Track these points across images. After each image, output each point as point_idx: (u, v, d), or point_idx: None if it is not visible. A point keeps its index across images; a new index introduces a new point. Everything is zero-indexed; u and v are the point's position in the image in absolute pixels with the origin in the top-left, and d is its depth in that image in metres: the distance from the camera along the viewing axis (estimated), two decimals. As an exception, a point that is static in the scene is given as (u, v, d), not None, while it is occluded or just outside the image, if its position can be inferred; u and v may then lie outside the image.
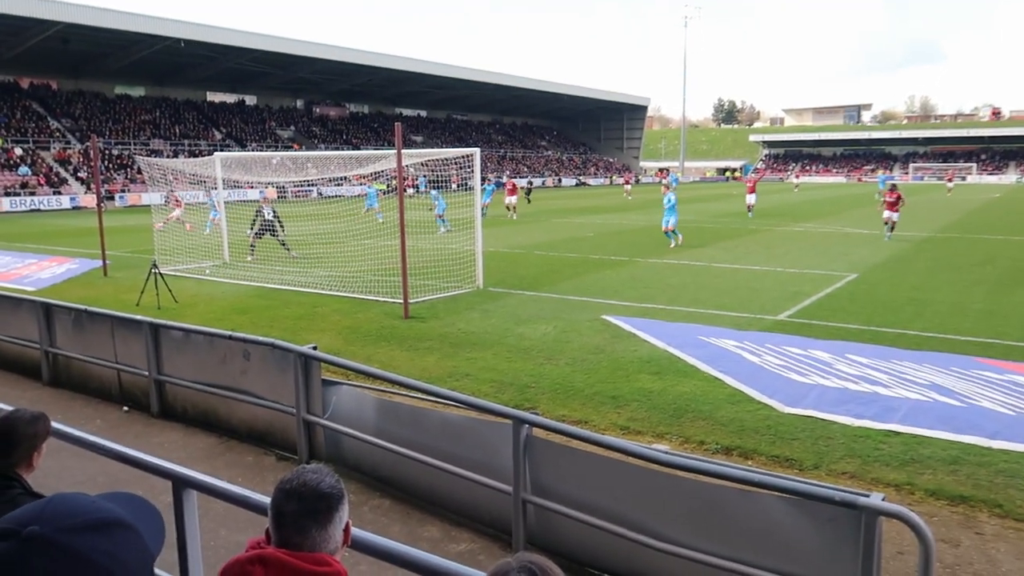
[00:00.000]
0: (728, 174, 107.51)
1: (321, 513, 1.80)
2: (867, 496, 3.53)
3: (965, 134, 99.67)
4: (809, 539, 3.76)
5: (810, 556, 3.74)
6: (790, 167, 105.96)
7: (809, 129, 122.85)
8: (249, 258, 18.49)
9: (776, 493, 3.83)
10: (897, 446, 6.38)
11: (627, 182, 57.35)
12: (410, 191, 28.66)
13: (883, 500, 3.49)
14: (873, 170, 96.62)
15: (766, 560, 3.83)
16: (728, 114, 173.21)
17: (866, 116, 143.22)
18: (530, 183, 55.87)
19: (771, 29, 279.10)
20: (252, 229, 19.45)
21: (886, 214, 23.20)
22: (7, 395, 8.12)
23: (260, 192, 31.33)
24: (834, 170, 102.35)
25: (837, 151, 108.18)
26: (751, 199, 32.74)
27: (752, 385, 8.01)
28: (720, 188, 70.35)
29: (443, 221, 23.88)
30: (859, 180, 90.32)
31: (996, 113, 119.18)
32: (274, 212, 19.61)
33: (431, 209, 24.60)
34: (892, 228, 22.78)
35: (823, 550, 3.71)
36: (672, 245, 20.72)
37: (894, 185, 24.32)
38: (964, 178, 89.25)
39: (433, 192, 24.54)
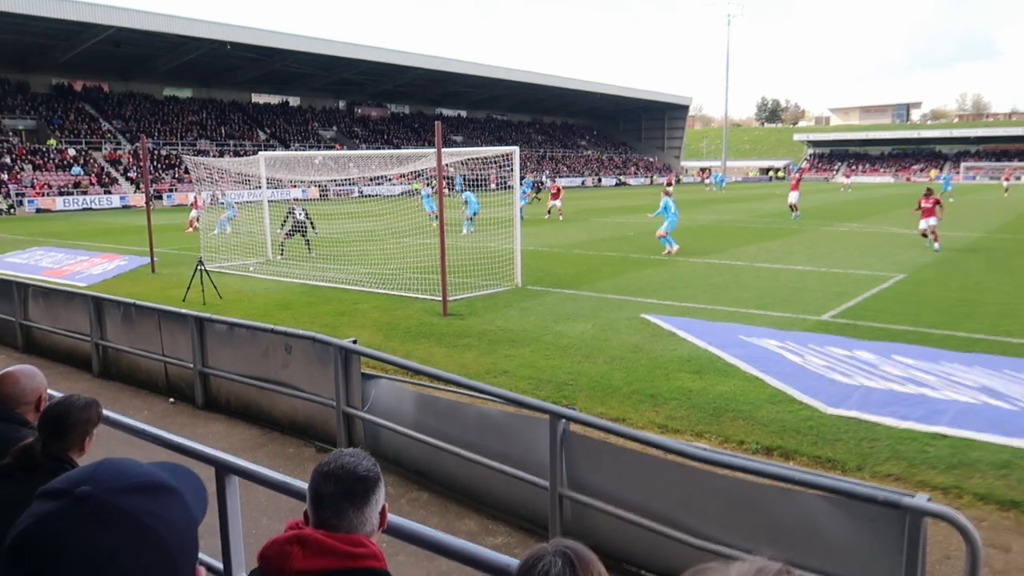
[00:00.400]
0: (772, 174, 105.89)
1: (358, 495, 1.84)
2: (912, 496, 3.45)
3: (1020, 132, 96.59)
4: (851, 540, 3.69)
5: (852, 557, 3.67)
6: (836, 167, 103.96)
7: (856, 128, 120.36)
8: (279, 257, 18.78)
9: (818, 492, 3.76)
10: (944, 449, 6.22)
11: (669, 183, 55.47)
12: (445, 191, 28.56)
13: (929, 501, 3.41)
14: (923, 170, 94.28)
15: (806, 560, 3.76)
16: (772, 113, 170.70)
17: (915, 114, 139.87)
18: (539, 182, 53.38)
19: (816, 26, 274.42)
20: (283, 228, 19.76)
21: (923, 223, 20.08)
22: (59, 386, 8.36)
23: (302, 191, 31.84)
24: (881, 169, 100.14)
25: (885, 150, 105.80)
26: (794, 197, 31.15)
27: (794, 385, 7.88)
28: (763, 188, 69.37)
29: (470, 223, 23.97)
30: (908, 180, 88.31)
31: None
32: (305, 213, 19.88)
33: (463, 208, 24.60)
34: (935, 236, 19.60)
35: (865, 551, 3.63)
36: (665, 252, 19.10)
37: (930, 189, 21.25)
38: (1020, 178, 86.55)
39: (467, 193, 24.46)
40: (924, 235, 20.09)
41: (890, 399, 7.40)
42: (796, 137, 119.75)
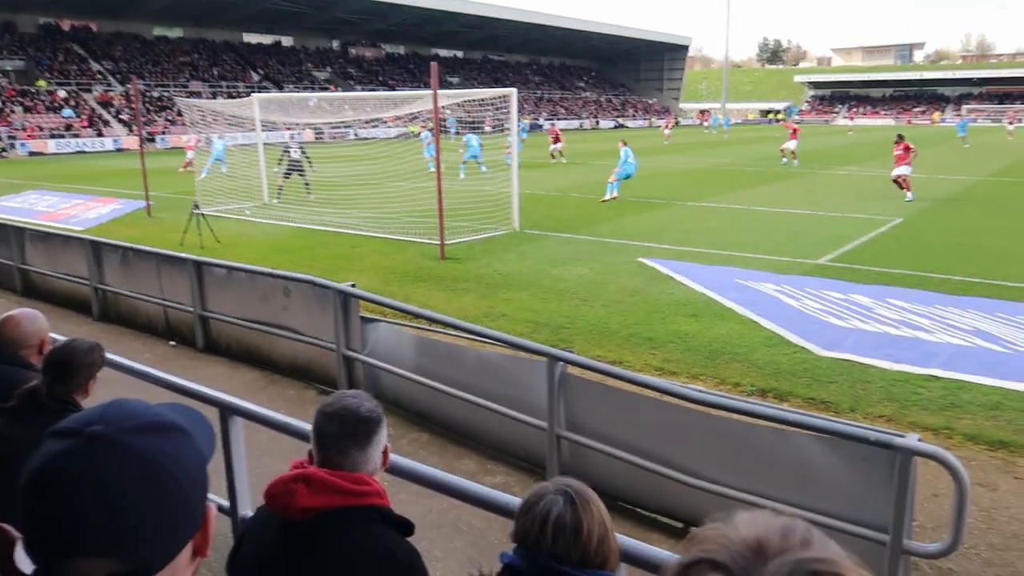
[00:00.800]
0: (772, 116, 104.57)
1: (360, 435, 1.87)
2: (903, 437, 3.52)
3: (1023, 74, 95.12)
4: (842, 479, 3.77)
5: (843, 495, 3.76)
6: (836, 109, 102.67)
7: (858, 69, 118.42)
8: (276, 201, 18.63)
9: (810, 432, 3.84)
10: (937, 391, 6.32)
11: (668, 126, 52.10)
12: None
13: (919, 441, 3.48)
14: (924, 112, 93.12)
15: (798, 498, 3.85)
16: (773, 54, 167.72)
17: (918, 55, 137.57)
18: (535, 124, 51.04)
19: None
20: (279, 169, 19.54)
21: (896, 171, 18.90)
22: (59, 329, 8.39)
23: (296, 133, 31.41)
24: (883, 112, 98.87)
25: (886, 92, 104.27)
26: (791, 144, 29.26)
27: (789, 328, 7.95)
28: (763, 130, 68.59)
29: (464, 167, 23.46)
30: (909, 122, 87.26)
31: None
32: (302, 150, 19.57)
33: (461, 151, 24.06)
34: (907, 185, 18.29)
35: (856, 490, 3.72)
36: (606, 197, 18.18)
37: (901, 136, 19.60)
38: (1022, 120, 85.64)
39: (469, 135, 23.89)
40: (897, 184, 18.83)
41: (884, 342, 7.48)
42: (797, 79, 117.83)
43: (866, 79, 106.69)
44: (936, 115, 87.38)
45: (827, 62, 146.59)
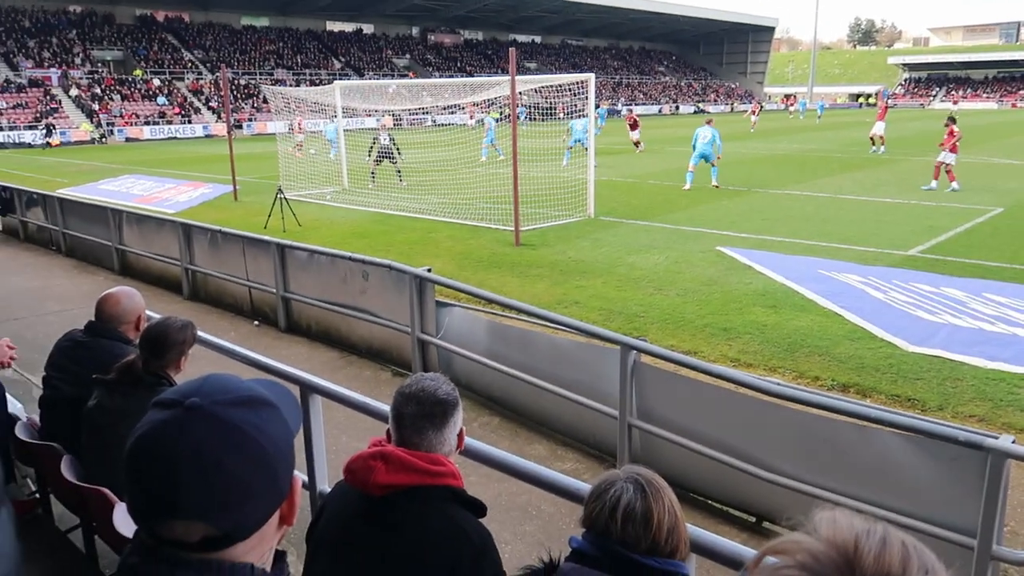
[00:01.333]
0: (862, 100, 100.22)
1: (437, 417, 1.92)
2: (996, 438, 3.35)
3: None
4: (928, 479, 3.62)
5: (927, 496, 3.61)
6: (933, 92, 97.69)
7: (957, 50, 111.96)
8: (370, 185, 19.03)
9: (895, 430, 3.69)
10: (1035, 391, 5.98)
11: (754, 111, 45.81)
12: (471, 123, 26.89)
13: (1013, 443, 3.30)
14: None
15: (881, 498, 3.72)
16: (866, 34, 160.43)
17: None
18: (614, 110, 48.53)
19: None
20: (370, 156, 19.94)
21: (940, 157, 17.47)
22: (152, 306, 8.80)
23: (376, 119, 31.97)
24: (984, 95, 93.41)
25: (989, 74, 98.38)
26: (879, 128, 27.12)
27: (875, 322, 7.65)
28: (853, 115, 65.87)
29: (569, 153, 22.87)
30: (1013, 106, 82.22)
31: None
32: (391, 138, 19.95)
33: (565, 139, 23.51)
34: (952, 177, 16.97)
35: (942, 491, 3.56)
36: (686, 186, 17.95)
37: (952, 118, 18.11)
38: None
39: (573, 121, 23.13)
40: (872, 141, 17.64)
41: (978, 338, 7.12)
42: (890, 60, 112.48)
43: (967, 60, 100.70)
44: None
45: (924, 42, 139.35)
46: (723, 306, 8.36)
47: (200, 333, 3.85)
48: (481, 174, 17.64)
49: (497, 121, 25.72)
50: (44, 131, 40.48)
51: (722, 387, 4.44)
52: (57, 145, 39.81)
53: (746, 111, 51.76)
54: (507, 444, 5.34)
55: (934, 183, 17.25)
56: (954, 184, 17.00)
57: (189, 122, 48.56)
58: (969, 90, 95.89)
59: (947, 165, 17.12)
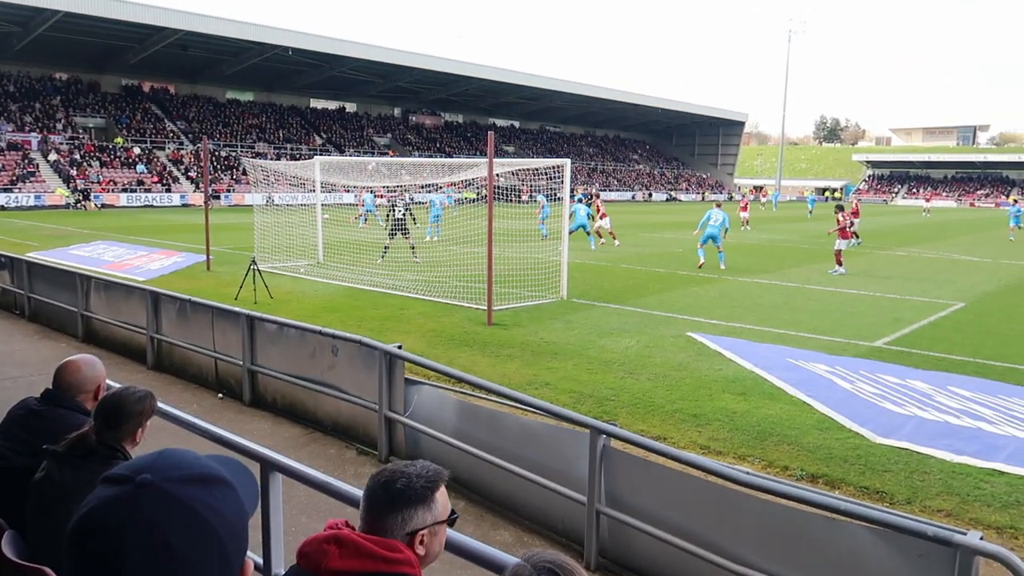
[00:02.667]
0: (828, 194, 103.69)
1: (397, 504, 1.85)
2: (964, 534, 3.33)
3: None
4: (898, 575, 3.57)
5: (898, 593, 3.55)
6: (896, 188, 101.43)
7: (918, 150, 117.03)
8: (379, 261, 18.66)
9: (864, 523, 3.66)
10: (1001, 486, 5.99)
11: (744, 207, 38.84)
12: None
13: (981, 539, 3.29)
14: (988, 195, 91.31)
15: (850, 593, 3.65)
16: (831, 132, 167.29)
17: (982, 138, 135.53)
18: (589, 194, 46.78)
19: (880, 44, 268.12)
20: (385, 228, 19.76)
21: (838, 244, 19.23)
22: (114, 376, 8.60)
23: (355, 196, 32.26)
24: (943, 193, 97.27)
25: (948, 173, 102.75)
26: (855, 225, 26.15)
27: (843, 412, 7.69)
28: (819, 208, 67.91)
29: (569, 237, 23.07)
30: (971, 205, 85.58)
31: None
32: (407, 210, 19.76)
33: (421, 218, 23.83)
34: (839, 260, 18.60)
35: (913, 588, 3.51)
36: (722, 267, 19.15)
37: (840, 206, 20.08)
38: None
39: (576, 206, 23.17)
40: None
41: (944, 431, 7.17)
42: (855, 157, 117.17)
43: (927, 160, 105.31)
44: (1013, 197, 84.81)
45: (886, 142, 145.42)
46: (693, 392, 8.37)
47: (160, 405, 3.75)
48: (456, 252, 17.77)
49: (474, 201, 26.09)
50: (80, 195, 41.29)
51: (692, 475, 4.39)
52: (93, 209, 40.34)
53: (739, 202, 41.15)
54: (472, 529, 5.20)
55: (840, 269, 18.86)
56: (840, 268, 18.78)
57: (168, 191, 48.70)
58: (929, 188, 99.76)
59: (839, 251, 19.06)
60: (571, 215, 22.26)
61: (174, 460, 1.01)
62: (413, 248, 19.47)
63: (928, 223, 37.26)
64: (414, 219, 19.99)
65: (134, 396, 2.96)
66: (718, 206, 20.48)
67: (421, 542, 1.86)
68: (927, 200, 67.05)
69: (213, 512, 0.97)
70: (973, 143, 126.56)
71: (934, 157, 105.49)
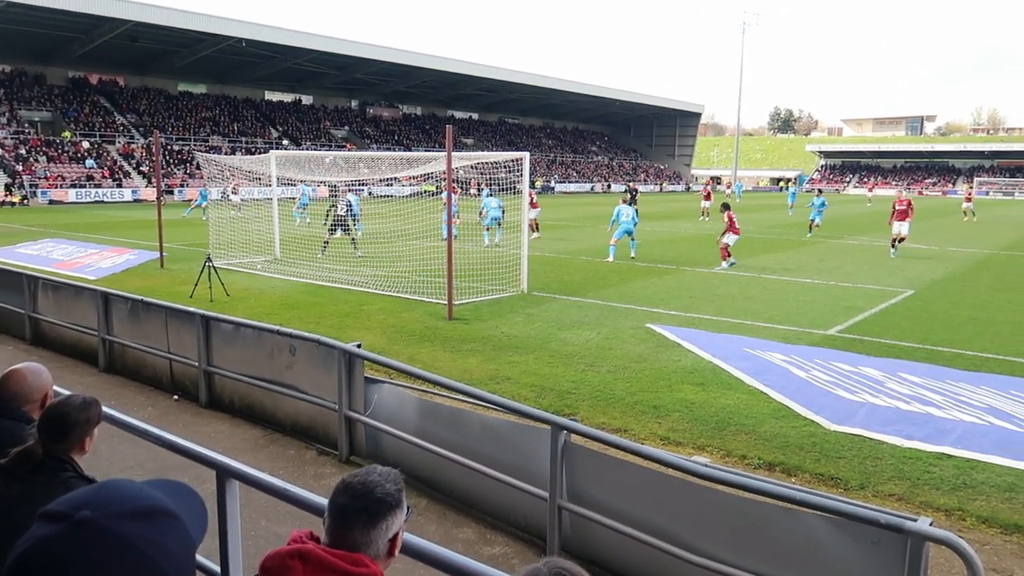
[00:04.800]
0: (782, 184, 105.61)
1: (367, 515, 1.82)
2: (914, 520, 3.43)
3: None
4: (852, 562, 3.66)
5: (852, 579, 3.64)
6: (847, 178, 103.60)
7: (868, 140, 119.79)
8: (320, 255, 18.64)
9: (819, 512, 3.74)
10: (949, 470, 6.18)
11: (706, 195, 38.54)
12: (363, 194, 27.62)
13: (931, 525, 3.38)
14: (935, 184, 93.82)
15: (806, 580, 3.73)
16: (784, 123, 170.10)
17: (929, 128, 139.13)
18: (634, 190, 43.03)
19: (832, 36, 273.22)
20: (326, 223, 19.70)
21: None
22: (65, 379, 8.42)
23: (313, 189, 31.83)
24: (893, 183, 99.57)
25: (897, 163, 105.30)
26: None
27: (798, 400, 7.85)
28: (774, 198, 69.08)
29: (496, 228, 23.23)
30: (920, 193, 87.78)
31: None
32: (349, 207, 19.66)
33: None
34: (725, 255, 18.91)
35: (866, 574, 3.60)
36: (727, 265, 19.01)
37: (726, 204, 20.49)
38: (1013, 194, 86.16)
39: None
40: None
41: (895, 417, 7.36)
42: (808, 148, 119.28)
43: (877, 150, 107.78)
44: (967, 187, 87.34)
45: (838, 132, 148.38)
46: (653, 383, 8.45)
47: (112, 411, 3.66)
48: (416, 246, 17.66)
49: (433, 195, 25.92)
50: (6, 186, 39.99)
51: (652, 468, 4.44)
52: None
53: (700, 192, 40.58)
54: (434, 527, 5.19)
55: (724, 264, 18.84)
56: (723, 264, 18.76)
57: (119, 186, 47.46)
58: (880, 177, 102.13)
59: (727, 245, 19.01)
60: (614, 223, 20.85)
61: (115, 494, 0.97)
62: (355, 241, 19.33)
63: (876, 212, 38.01)
64: (354, 216, 19.85)
65: (77, 405, 2.87)
66: (624, 202, 21.09)
67: (396, 543, 1.88)
68: (870, 190, 67.85)
69: (158, 549, 0.94)
70: (921, 133, 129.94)
71: (884, 147, 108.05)
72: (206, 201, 28.74)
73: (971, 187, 53.20)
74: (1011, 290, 15.54)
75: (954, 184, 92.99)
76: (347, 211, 19.41)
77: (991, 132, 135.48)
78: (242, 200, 25.54)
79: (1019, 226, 36.30)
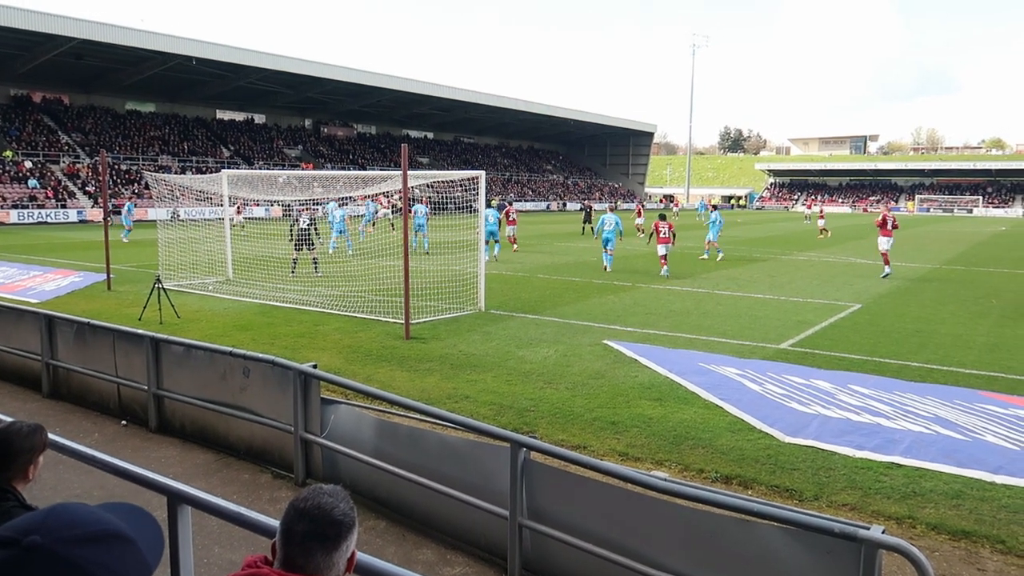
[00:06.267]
0: (733, 202, 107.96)
1: (329, 539, 1.78)
2: (867, 528, 3.50)
3: (971, 167, 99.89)
4: (808, 571, 3.72)
5: (809, 588, 3.69)
6: (796, 196, 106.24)
7: (815, 159, 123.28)
8: (291, 275, 18.51)
9: (775, 523, 3.79)
10: (899, 479, 6.33)
11: (639, 213, 40.54)
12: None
13: (883, 533, 3.45)
14: (879, 200, 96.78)
15: (764, 591, 3.77)
16: (735, 142, 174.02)
17: (872, 147, 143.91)
18: (588, 207, 43.21)
19: (780, 58, 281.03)
20: (291, 241, 19.47)
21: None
22: (7, 406, 8.12)
23: (265, 209, 31.43)
24: (839, 200, 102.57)
25: (843, 181, 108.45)
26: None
27: (753, 414, 7.97)
28: (728, 215, 70.30)
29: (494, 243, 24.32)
30: (865, 210, 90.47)
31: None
32: (312, 221, 19.48)
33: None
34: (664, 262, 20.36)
35: (822, 583, 3.66)
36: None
37: (663, 215, 21.83)
38: (970, 210, 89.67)
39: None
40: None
41: (846, 428, 7.52)
42: (757, 166, 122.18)
43: (823, 168, 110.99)
44: (911, 204, 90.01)
45: (786, 151, 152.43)
46: (611, 399, 8.50)
47: (57, 438, 3.53)
48: (372, 266, 17.53)
49: (389, 214, 25.90)
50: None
51: (611, 484, 4.45)
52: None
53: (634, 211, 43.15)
54: (393, 550, 5.12)
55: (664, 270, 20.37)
56: (663, 271, 20.31)
57: (63, 207, 46.17)
58: (826, 195, 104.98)
59: (661, 255, 20.60)
60: (598, 232, 22.80)
61: (66, 518, 0.93)
62: (315, 261, 19.15)
63: (816, 229, 38.67)
64: (318, 233, 19.68)
65: (22, 432, 2.77)
66: (612, 209, 22.77)
67: (353, 559, 1.85)
68: (808, 207, 67.67)
69: (110, 573, 0.90)
70: (864, 152, 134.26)
71: (830, 165, 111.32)
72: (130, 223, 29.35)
73: (814, 199, 54.09)
74: (952, 303, 16.07)
75: (897, 201, 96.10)
76: (309, 225, 19.21)
77: (930, 151, 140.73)
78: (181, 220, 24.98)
79: (958, 241, 37.64)
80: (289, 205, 21.81)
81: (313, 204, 20.67)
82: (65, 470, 5.74)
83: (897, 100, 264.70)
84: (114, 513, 0.99)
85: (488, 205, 24.26)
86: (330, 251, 23.29)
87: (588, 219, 37.96)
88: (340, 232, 24.15)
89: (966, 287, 18.93)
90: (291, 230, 19.61)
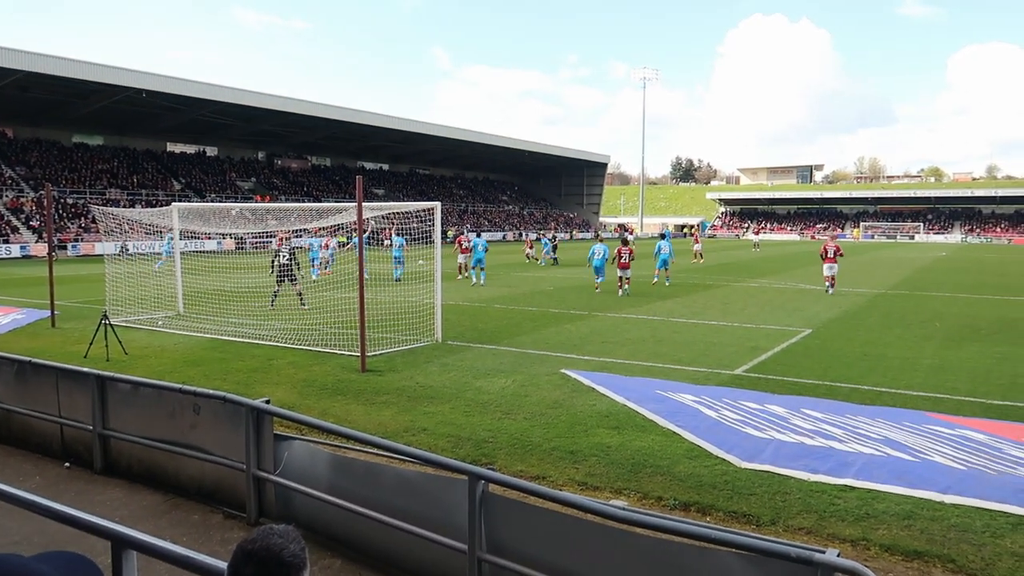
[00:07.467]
0: (686, 230, 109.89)
1: (299, 573, 1.73)
2: (823, 552, 3.53)
3: (912, 195, 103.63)
4: (766, 597, 3.73)
5: (768, 614, 3.70)
6: (746, 224, 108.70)
7: (764, 188, 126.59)
8: (270, 307, 18.36)
9: (733, 550, 3.81)
10: (852, 501, 6.43)
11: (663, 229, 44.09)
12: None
13: (838, 556, 3.49)
14: (826, 228, 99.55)
15: (724, 619, 3.77)
16: (686, 172, 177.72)
17: (818, 176, 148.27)
18: (542, 236, 45.08)
19: (728, 91, 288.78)
20: (272, 274, 19.19)
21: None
22: (-60, 451, 7.76)
23: (218, 243, 30.92)
24: (787, 227, 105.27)
25: (791, 209, 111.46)
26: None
27: (710, 440, 8.03)
28: (680, 244, 71.49)
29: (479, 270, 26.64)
30: (812, 237, 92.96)
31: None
32: (291, 254, 19.27)
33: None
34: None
35: (781, 608, 3.67)
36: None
37: (624, 239, 24.44)
38: (912, 236, 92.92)
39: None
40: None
41: (801, 452, 7.63)
42: (709, 196, 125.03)
43: (772, 197, 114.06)
44: (858, 232, 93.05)
45: (735, 180, 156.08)
46: (569, 428, 8.49)
47: (-7, 483, 3.38)
48: (327, 298, 17.34)
49: (343, 245, 25.73)
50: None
51: (570, 515, 4.42)
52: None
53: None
54: (350, 589, 4.99)
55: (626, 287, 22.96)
56: (625, 287, 23.01)
57: (6, 242, 44.80)
58: (775, 223, 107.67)
59: (628, 278, 23.31)
60: (590, 260, 25.55)
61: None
62: (301, 295, 18.97)
63: (766, 257, 39.55)
64: (299, 266, 19.50)
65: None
66: (601, 240, 25.15)
67: None
68: (756, 234, 68.91)
69: None
70: (811, 181, 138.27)
71: (778, 194, 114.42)
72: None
73: (761, 226, 56.78)
74: (899, 326, 16.52)
75: (843, 228, 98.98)
76: (289, 259, 19.02)
77: (873, 180, 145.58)
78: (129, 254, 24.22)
79: (902, 266, 38.83)
80: (243, 238, 21.48)
81: (294, 234, 20.48)
82: (3, 516, 5.50)
83: (839, 131, 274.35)
84: (52, 563, 0.94)
85: (478, 235, 27.51)
86: (314, 277, 23.30)
87: (554, 249, 39.48)
88: (314, 259, 24.24)
89: (911, 311, 19.49)
90: (272, 263, 19.38)
